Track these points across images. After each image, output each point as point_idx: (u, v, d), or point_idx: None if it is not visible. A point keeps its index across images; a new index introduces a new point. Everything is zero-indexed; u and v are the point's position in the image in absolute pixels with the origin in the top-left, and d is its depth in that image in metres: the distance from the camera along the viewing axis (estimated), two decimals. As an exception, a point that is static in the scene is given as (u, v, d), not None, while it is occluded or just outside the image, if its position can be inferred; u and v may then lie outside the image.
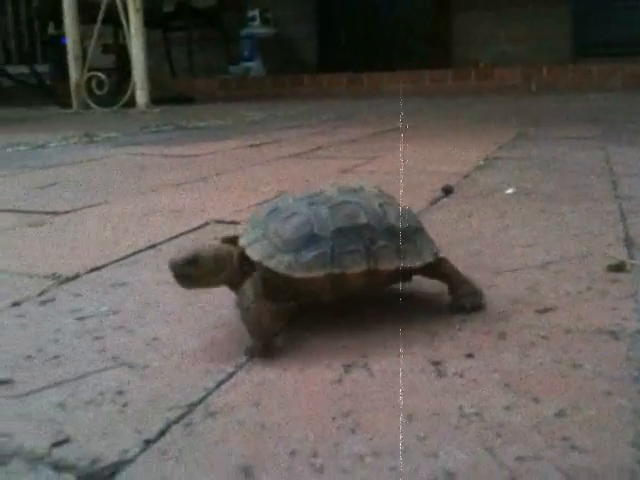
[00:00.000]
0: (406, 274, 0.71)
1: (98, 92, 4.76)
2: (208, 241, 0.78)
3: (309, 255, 0.65)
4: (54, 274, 0.91)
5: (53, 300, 0.81)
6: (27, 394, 0.58)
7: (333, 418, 0.52)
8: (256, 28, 6.89)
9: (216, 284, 0.66)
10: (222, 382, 0.59)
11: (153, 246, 1.05)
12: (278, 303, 0.71)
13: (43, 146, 2.66)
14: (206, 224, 1.19)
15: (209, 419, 0.53)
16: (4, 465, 0.48)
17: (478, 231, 1.07)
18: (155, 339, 0.69)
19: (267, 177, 1.69)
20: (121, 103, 4.71)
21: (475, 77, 5.95)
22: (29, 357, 0.66)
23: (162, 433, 0.51)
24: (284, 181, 1.61)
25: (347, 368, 0.61)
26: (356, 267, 0.65)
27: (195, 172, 1.83)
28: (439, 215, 1.19)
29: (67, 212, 1.33)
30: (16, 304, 0.80)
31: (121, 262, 0.97)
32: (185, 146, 2.51)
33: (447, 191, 1.38)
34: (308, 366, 0.61)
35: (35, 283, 0.88)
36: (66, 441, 0.50)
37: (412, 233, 0.70)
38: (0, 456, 0.49)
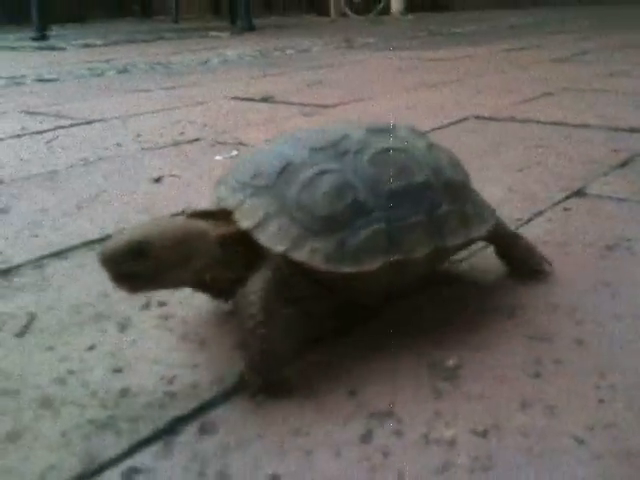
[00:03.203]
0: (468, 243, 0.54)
1: (356, 0, 4.87)
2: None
3: (359, 237, 0.45)
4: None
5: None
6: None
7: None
8: None
9: (185, 282, 0.45)
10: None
11: (416, 135, 1.12)
12: (299, 308, 0.50)
13: (307, 50, 2.83)
14: (465, 119, 1.23)
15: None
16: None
17: None
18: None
19: (526, 80, 1.67)
20: (377, 11, 4.78)
21: None
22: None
23: (431, 279, 0.58)
24: (546, 82, 1.58)
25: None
26: (421, 248, 0.47)
27: (451, 74, 1.85)
28: None
29: (335, 105, 1.45)
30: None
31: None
32: (440, 50, 2.52)
33: None
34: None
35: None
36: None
37: (468, 187, 0.53)
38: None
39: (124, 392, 0.43)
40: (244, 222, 0.45)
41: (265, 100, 1.55)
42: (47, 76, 2.18)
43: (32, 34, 3.76)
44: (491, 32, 3.34)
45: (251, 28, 3.99)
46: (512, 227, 0.68)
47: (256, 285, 0.43)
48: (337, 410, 0.41)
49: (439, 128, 1.17)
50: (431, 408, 0.40)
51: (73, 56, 2.93)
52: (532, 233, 0.66)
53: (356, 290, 0.48)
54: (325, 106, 1.44)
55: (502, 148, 1.02)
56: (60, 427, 0.39)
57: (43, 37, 3.75)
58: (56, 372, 0.45)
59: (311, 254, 0.44)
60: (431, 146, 0.52)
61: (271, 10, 6.13)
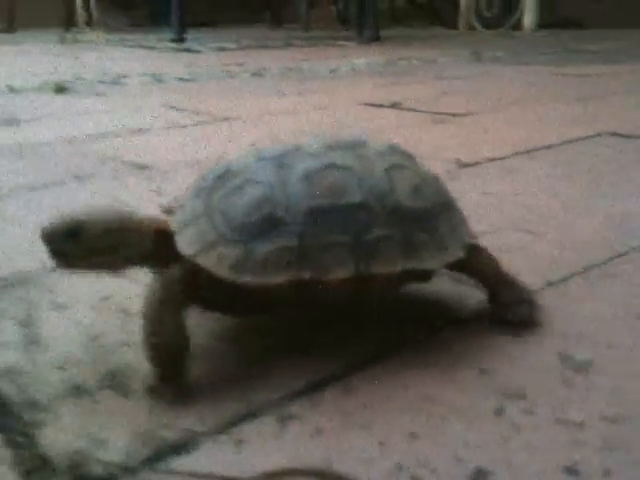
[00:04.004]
0: (422, 274, 0.51)
1: (486, 14, 4.82)
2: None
3: (265, 249, 0.44)
4: (458, 160, 1.05)
5: (459, 177, 0.94)
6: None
7: None
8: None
9: (115, 267, 0.47)
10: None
11: (548, 147, 1.12)
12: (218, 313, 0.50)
13: (434, 61, 2.84)
14: (598, 135, 1.21)
15: (604, 278, 0.60)
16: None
17: None
18: (551, 217, 0.77)
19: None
20: (508, 25, 4.72)
21: None
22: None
23: (563, 281, 0.60)
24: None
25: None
26: (337, 270, 0.44)
27: (585, 90, 1.82)
28: None
29: (465, 115, 1.46)
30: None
31: (516, 156, 1.06)
32: (573, 66, 2.47)
33: None
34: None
35: (443, 165, 1.02)
36: (481, 272, 0.62)
37: (433, 215, 0.48)
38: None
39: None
40: (173, 222, 0.47)
41: (394, 106, 1.59)
42: (186, 76, 2.32)
43: (171, 36, 3.99)
44: (627, 51, 3.23)
45: (377, 38, 4.04)
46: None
47: (158, 284, 0.44)
48: (469, 385, 0.43)
49: (569, 142, 1.16)
50: (561, 394, 0.42)
51: (209, 58, 3.09)
52: (667, 246, 0.65)
53: (272, 306, 0.48)
54: (455, 114, 1.46)
55: (636, 167, 1.01)
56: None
57: (181, 39, 3.96)
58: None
59: (217, 261, 0.44)
60: (393, 168, 0.48)
61: (397, 21, 6.17)
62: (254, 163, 0.47)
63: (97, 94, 1.88)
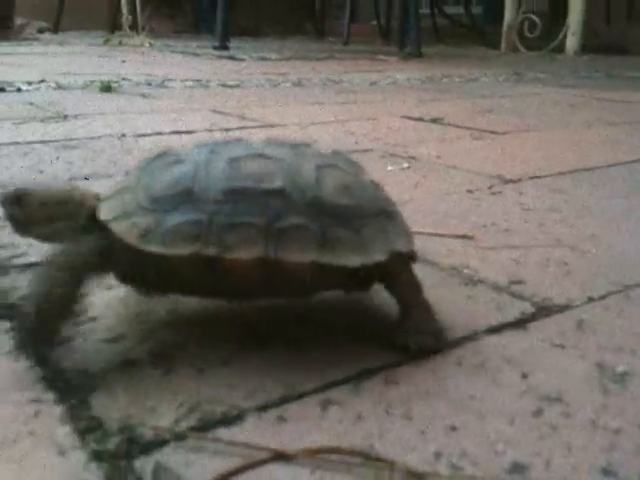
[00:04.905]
0: (356, 278, 0.49)
1: (529, 35, 4.81)
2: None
3: (174, 221, 0.45)
4: (499, 175, 1.06)
5: (501, 192, 0.95)
6: (487, 249, 0.72)
7: None
8: None
9: (61, 237, 0.49)
10: None
11: (591, 169, 1.12)
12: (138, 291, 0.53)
13: (475, 79, 2.85)
14: (637, 161, 1.22)
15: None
16: (473, 286, 0.62)
17: None
18: (592, 235, 0.78)
19: None
20: (550, 47, 4.71)
21: None
22: (484, 226, 0.80)
23: (601, 297, 0.61)
24: None
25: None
26: (243, 249, 0.44)
27: (628, 116, 1.82)
28: None
29: (505, 133, 1.47)
30: (470, 191, 0.96)
31: (557, 176, 1.07)
32: (617, 92, 2.46)
33: None
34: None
35: (484, 179, 1.03)
36: (521, 282, 0.63)
37: (360, 216, 0.47)
38: (470, 281, 0.64)
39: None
40: (103, 195, 0.49)
41: (435, 121, 1.60)
42: (229, 82, 2.36)
43: (214, 44, 4.05)
44: (671, 79, 3.20)
45: (419, 55, 4.06)
46: (687, 260, 0.69)
47: (65, 247, 0.46)
48: (510, 387, 0.44)
49: (613, 165, 1.16)
50: (598, 401, 0.43)
51: (251, 66, 3.14)
52: None
53: (182, 282, 0.48)
54: (494, 132, 1.47)
55: (678, 189, 1.01)
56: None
57: (224, 47, 4.02)
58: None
59: (128, 228, 0.45)
60: (326, 167, 0.48)
61: (440, 40, 6.19)
62: (192, 148, 0.49)
63: (143, 95, 1.92)
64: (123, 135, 1.29)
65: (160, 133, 1.32)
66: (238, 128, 1.42)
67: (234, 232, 0.44)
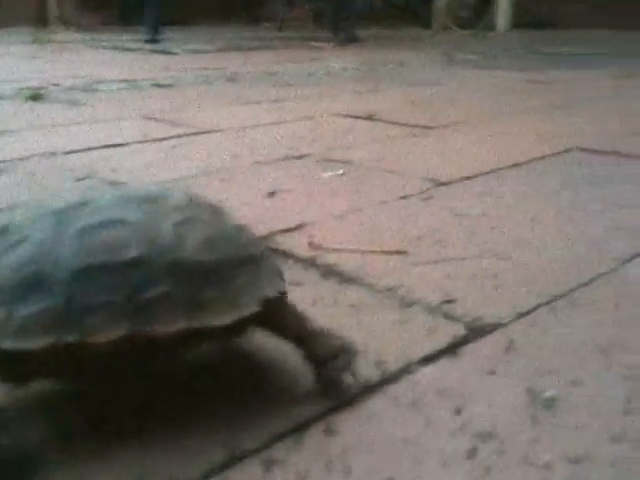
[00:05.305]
0: (231, 330, 0.47)
1: (460, 14, 4.87)
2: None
3: (25, 312, 0.41)
4: (432, 179, 1.07)
5: (432, 198, 0.97)
6: (421, 264, 0.74)
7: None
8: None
9: None
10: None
11: (516, 164, 1.15)
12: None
13: (409, 64, 2.87)
14: (568, 150, 1.25)
15: (571, 308, 0.63)
16: (407, 308, 0.63)
17: None
18: (522, 241, 0.80)
19: (635, 110, 1.66)
20: (481, 25, 4.77)
21: None
22: (418, 238, 0.82)
23: (529, 311, 0.62)
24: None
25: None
26: (105, 331, 0.42)
27: (558, 99, 1.86)
28: None
29: (438, 127, 1.49)
30: (403, 197, 0.97)
31: (488, 175, 1.09)
32: (543, 72, 2.52)
33: None
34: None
35: (418, 183, 1.04)
36: (452, 301, 0.65)
37: (228, 268, 0.46)
38: (404, 303, 0.65)
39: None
40: None
41: (370, 118, 1.61)
42: (162, 82, 2.32)
43: (145, 36, 3.97)
44: (600, 54, 3.29)
45: (353, 39, 4.07)
46: (613, 265, 0.72)
47: None
48: (444, 426, 0.46)
49: (541, 158, 1.19)
50: (529, 433, 0.45)
51: (184, 61, 3.09)
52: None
53: (42, 372, 0.45)
54: (428, 127, 1.49)
55: (605, 184, 1.04)
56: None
57: (155, 40, 3.95)
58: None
59: None
60: (185, 222, 0.46)
61: (374, 21, 6.19)
62: (35, 218, 0.45)
63: (72, 103, 1.88)
64: (53, 153, 1.26)
65: (91, 148, 1.30)
66: (172, 137, 1.40)
67: (93, 314, 0.41)
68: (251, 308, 0.46)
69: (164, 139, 1.38)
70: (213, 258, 0.45)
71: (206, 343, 0.49)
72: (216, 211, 0.50)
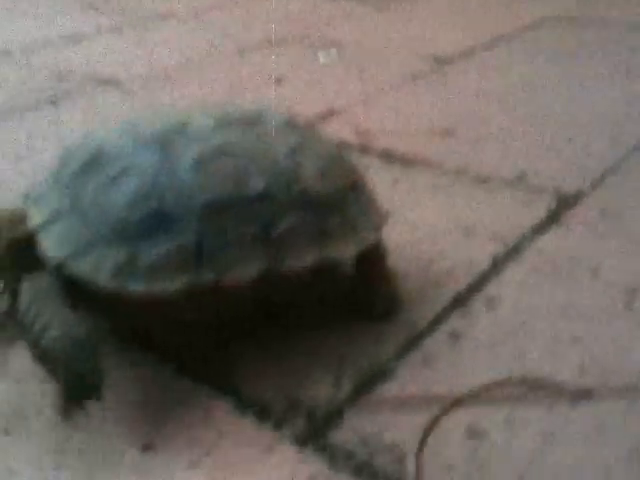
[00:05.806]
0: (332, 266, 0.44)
1: None
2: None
3: (155, 251, 0.38)
4: (432, 55, 1.07)
5: (447, 74, 0.97)
6: (471, 142, 0.75)
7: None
8: None
9: None
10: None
11: (502, 36, 1.16)
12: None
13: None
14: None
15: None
16: (486, 183, 0.66)
17: None
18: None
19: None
20: None
21: None
22: (457, 116, 0.83)
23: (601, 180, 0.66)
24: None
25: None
26: (243, 269, 0.39)
27: None
28: None
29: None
30: (415, 77, 0.97)
31: (483, 49, 1.10)
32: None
33: None
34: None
35: (421, 62, 1.04)
36: (525, 175, 0.67)
37: (343, 198, 0.44)
38: (480, 180, 0.67)
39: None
40: (33, 217, 0.39)
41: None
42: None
43: None
44: None
45: None
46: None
47: (26, 295, 0.37)
48: (591, 285, 0.50)
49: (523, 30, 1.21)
50: None
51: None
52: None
53: (167, 315, 0.41)
54: None
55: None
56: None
57: None
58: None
59: (94, 267, 0.37)
60: (296, 148, 0.43)
61: None
62: (132, 146, 0.40)
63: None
64: (9, 51, 1.15)
65: (50, 43, 1.19)
66: (127, 27, 1.31)
67: (229, 251, 0.39)
68: (372, 236, 0.45)
69: (120, 29, 1.29)
70: (329, 187, 0.43)
71: (326, 281, 0.46)
72: (314, 133, 0.47)
